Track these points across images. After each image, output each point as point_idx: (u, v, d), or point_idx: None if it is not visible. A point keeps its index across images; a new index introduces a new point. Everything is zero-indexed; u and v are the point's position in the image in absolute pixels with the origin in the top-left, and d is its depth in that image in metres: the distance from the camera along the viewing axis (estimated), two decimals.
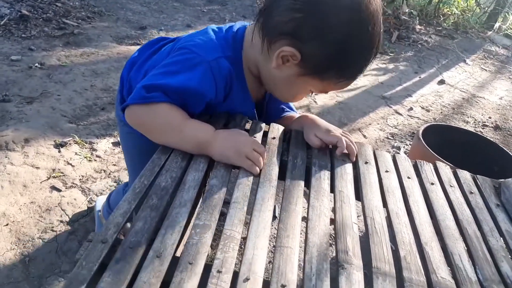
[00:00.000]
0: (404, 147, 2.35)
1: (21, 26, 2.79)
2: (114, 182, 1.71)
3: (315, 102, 2.70)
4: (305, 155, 0.92)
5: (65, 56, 2.58)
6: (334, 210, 0.78)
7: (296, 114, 1.11)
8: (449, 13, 5.34)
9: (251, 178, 0.81)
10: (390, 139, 2.43)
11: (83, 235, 1.47)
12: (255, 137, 0.93)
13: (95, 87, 2.30)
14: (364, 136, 2.41)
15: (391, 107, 2.85)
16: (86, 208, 1.57)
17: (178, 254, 0.64)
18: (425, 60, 3.92)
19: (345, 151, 0.91)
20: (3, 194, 1.55)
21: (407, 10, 4.71)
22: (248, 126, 1.02)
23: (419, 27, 4.72)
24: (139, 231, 0.64)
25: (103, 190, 1.66)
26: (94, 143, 1.90)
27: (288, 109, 1.12)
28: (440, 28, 4.92)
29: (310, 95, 0.88)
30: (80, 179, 1.69)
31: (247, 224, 0.70)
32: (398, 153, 2.28)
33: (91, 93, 2.25)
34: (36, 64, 2.40)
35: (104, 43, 2.86)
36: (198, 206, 0.73)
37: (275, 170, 0.85)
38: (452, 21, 5.23)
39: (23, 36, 2.70)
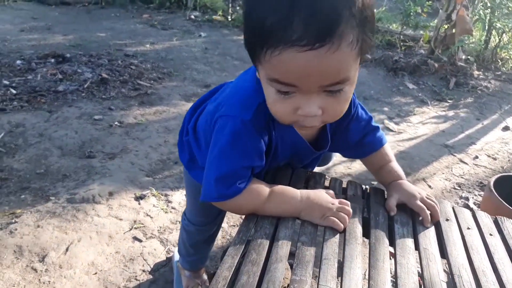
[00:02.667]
0: (473, 197, 2.29)
1: (101, 88, 3.11)
2: None
3: None
4: (386, 212, 0.96)
5: (140, 114, 2.83)
6: (421, 267, 0.81)
7: (385, 145, 1.09)
8: (507, 57, 5.24)
9: (337, 235, 0.87)
10: (457, 189, 2.39)
11: (163, 284, 1.56)
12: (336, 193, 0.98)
13: (168, 142, 2.49)
14: (430, 186, 2.38)
15: (455, 155, 2.81)
16: (165, 258, 1.68)
17: None
18: (486, 106, 3.84)
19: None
20: (91, 244, 1.70)
21: (463, 56, 4.68)
22: (327, 183, 1.09)
23: (477, 72, 4.65)
24: (245, 285, 0.71)
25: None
26: (169, 195, 2.04)
27: (370, 139, 1.06)
28: (499, 73, 4.82)
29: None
30: (158, 230, 1.81)
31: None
32: (467, 203, 2.22)
33: (164, 148, 2.44)
34: (116, 123, 2.65)
35: (174, 101, 3.11)
36: (294, 262, 0.79)
37: (358, 228, 0.90)
38: (511, 65, 5.12)
39: (103, 97, 3.00)
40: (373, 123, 1.07)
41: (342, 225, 0.88)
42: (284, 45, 0.65)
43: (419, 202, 0.95)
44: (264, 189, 0.90)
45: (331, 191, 0.96)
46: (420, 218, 0.95)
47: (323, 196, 0.92)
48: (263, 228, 0.86)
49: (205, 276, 1.56)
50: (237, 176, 0.85)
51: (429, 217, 0.93)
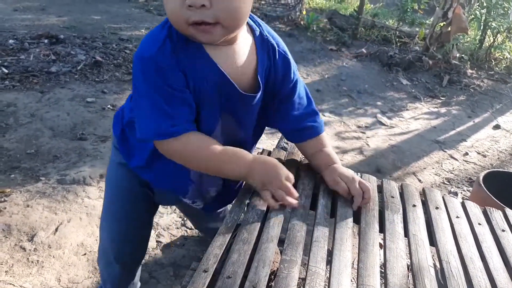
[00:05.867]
0: (461, 192, 2.32)
1: (95, 71, 3.08)
2: (179, 217, 1.81)
3: (368, 145, 2.73)
4: (377, 198, 0.97)
5: None
6: (409, 253, 0.82)
7: (322, 132, 1.04)
8: (500, 57, 5.28)
9: (328, 219, 0.88)
10: (446, 184, 2.41)
11: (153, 266, 1.56)
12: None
13: None
14: (419, 180, 2.40)
15: (445, 151, 2.84)
16: (155, 241, 1.68)
17: None
18: (478, 104, 3.88)
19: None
20: (81, 226, 1.69)
21: (457, 55, 4.71)
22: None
23: (470, 71, 4.69)
24: (235, 263, 0.72)
25: (169, 225, 1.77)
26: None
27: (311, 122, 1.02)
28: (492, 73, 4.86)
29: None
30: None
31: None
32: (456, 198, 2.25)
33: None
34: (109, 106, 2.63)
35: None
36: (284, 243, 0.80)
37: (349, 212, 0.91)
38: (504, 65, 5.16)
39: (97, 80, 2.98)
40: (314, 107, 1.04)
41: (273, 203, 0.87)
42: None
43: (357, 186, 0.94)
44: (211, 141, 0.88)
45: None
46: (353, 205, 0.93)
47: (275, 166, 0.90)
48: (254, 208, 0.87)
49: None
50: (165, 114, 0.83)
51: (362, 201, 0.93)
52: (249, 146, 1.05)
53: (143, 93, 0.85)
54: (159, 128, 0.84)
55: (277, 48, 0.93)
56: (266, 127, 1.09)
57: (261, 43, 0.92)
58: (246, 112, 0.96)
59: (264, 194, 0.88)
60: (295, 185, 0.98)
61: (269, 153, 1.12)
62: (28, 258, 1.50)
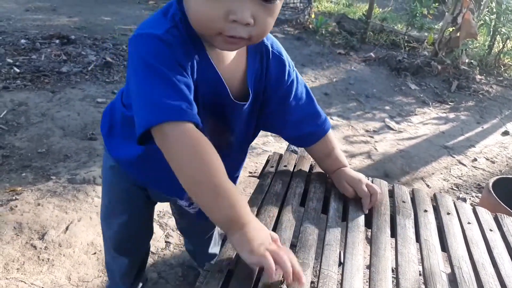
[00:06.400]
0: (470, 198, 2.31)
1: (105, 72, 3.11)
2: None
3: (376, 149, 2.73)
4: (388, 203, 0.98)
5: None
6: (421, 258, 0.83)
7: (325, 134, 0.99)
8: (510, 63, 5.25)
9: (339, 223, 0.89)
10: (454, 190, 2.41)
11: (162, 266, 1.58)
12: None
13: None
14: (428, 185, 2.40)
15: (454, 157, 2.83)
16: (164, 241, 1.69)
17: None
18: (487, 110, 3.86)
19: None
20: (91, 225, 1.71)
21: (466, 60, 4.69)
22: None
23: (479, 77, 4.67)
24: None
25: None
26: None
27: (311, 127, 0.98)
28: (501, 79, 4.84)
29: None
30: (158, 214, 1.82)
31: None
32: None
33: None
34: None
35: None
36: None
37: (361, 217, 0.92)
38: None
39: (107, 81, 3.01)
40: (315, 109, 0.98)
41: (273, 265, 0.65)
42: None
43: (365, 188, 0.94)
44: (215, 152, 0.71)
45: (275, 235, 0.75)
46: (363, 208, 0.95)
47: (263, 230, 0.72)
48: (267, 211, 0.88)
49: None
50: (175, 89, 0.70)
51: (369, 203, 0.94)
52: (236, 154, 0.99)
53: (145, 74, 0.71)
54: (165, 103, 0.68)
55: (270, 49, 0.89)
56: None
57: (254, 47, 0.87)
58: (235, 119, 0.90)
59: (260, 258, 0.67)
60: (306, 189, 1.00)
61: (280, 156, 1.13)
62: (39, 256, 1.52)
